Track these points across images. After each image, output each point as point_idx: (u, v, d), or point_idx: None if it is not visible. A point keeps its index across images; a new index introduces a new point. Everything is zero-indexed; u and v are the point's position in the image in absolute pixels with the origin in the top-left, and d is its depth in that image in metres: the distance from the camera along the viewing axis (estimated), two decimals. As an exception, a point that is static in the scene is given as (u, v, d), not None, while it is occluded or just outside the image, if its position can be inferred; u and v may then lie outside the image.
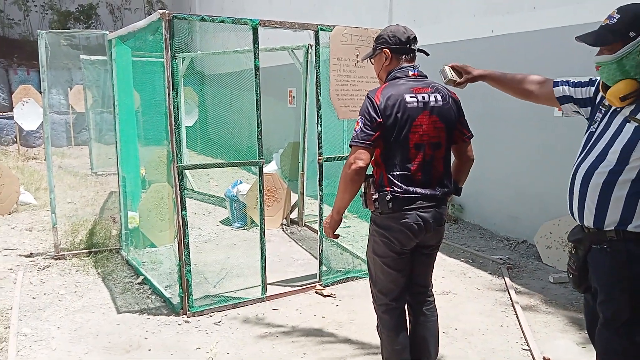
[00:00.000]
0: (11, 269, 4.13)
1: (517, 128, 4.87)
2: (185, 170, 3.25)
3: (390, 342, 2.36)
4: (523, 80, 2.25)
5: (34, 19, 14.22)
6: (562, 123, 4.42)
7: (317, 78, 3.68)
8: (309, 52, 5.20)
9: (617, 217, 1.78)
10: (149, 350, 2.92)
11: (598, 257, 1.87)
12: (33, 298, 3.59)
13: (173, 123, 3.14)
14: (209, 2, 13.22)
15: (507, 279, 4.02)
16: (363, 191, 2.27)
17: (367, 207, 2.27)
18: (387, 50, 2.27)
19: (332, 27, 3.55)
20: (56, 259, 4.36)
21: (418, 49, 2.34)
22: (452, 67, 2.36)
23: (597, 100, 1.96)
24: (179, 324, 3.23)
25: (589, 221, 1.87)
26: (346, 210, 6.50)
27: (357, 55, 3.66)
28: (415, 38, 2.29)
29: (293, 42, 5.45)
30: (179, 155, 3.19)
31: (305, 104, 5.39)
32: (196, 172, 7.80)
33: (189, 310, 3.32)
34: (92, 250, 4.54)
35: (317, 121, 3.68)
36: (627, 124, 1.77)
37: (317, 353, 2.92)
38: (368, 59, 2.42)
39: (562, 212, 4.37)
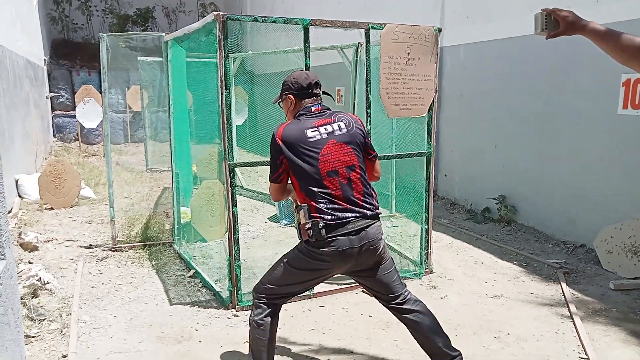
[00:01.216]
0: (72, 259, 4.36)
1: (578, 127, 4.66)
2: (236, 168, 3.32)
3: (257, 332, 2.36)
4: (637, 43, 1.77)
5: (95, 23, 14.95)
6: (627, 122, 4.18)
7: (367, 76, 3.66)
8: (359, 50, 5.18)
9: None
10: (200, 341, 3.00)
11: None
12: (92, 287, 3.78)
13: (225, 121, 3.21)
14: (260, 3, 13.45)
15: (564, 284, 3.85)
16: (297, 222, 2.33)
17: (301, 238, 2.31)
18: (291, 96, 2.44)
19: (383, 25, 3.52)
20: (113, 251, 4.57)
21: (323, 92, 2.49)
22: (551, 13, 1.91)
23: None
24: (228, 317, 3.31)
25: None
26: (394, 210, 6.42)
27: (409, 54, 3.61)
28: (317, 83, 2.43)
29: (342, 41, 5.45)
30: (230, 153, 3.26)
31: (354, 103, 5.37)
32: (245, 170, 7.96)
33: (237, 304, 3.39)
34: (147, 243, 4.73)
35: (367, 120, 3.66)
36: None
37: (364, 352, 2.91)
38: (277, 103, 2.61)
39: (624, 216, 4.14)
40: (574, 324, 3.23)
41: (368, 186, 2.38)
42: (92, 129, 10.73)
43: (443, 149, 6.52)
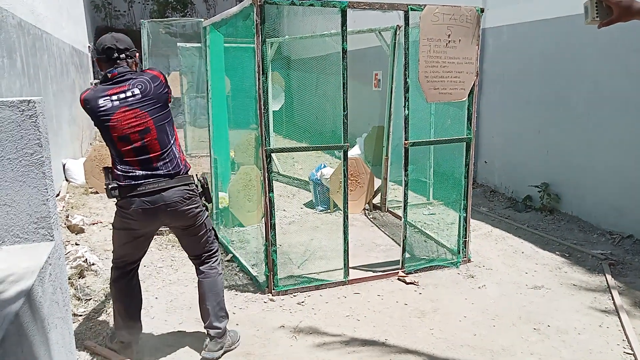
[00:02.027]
0: (116, 241, 4.51)
1: (628, 112, 4.42)
2: (272, 154, 3.33)
3: (113, 292, 2.69)
4: None
5: (136, 10, 15.26)
6: (683, 106, 3.94)
7: (405, 60, 3.58)
8: (397, 33, 5.07)
9: None
10: (237, 324, 3.06)
11: None
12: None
13: (262, 107, 3.22)
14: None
15: (609, 276, 3.71)
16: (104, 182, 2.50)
17: (108, 197, 2.48)
18: (97, 59, 2.52)
19: (423, 7, 3.42)
20: (156, 234, 4.68)
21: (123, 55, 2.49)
22: (601, 0, 1.76)
23: None
24: (265, 302, 3.36)
25: None
26: (431, 197, 6.34)
27: (449, 36, 3.51)
28: (111, 48, 2.45)
29: (380, 24, 5.35)
30: (267, 139, 3.27)
31: (392, 87, 5.29)
32: (281, 156, 8.00)
33: (274, 289, 3.43)
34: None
35: (405, 104, 3.59)
36: None
37: (399, 340, 2.89)
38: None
39: (678, 206, 3.93)
40: (619, 317, 3.11)
41: (167, 149, 2.47)
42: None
43: (483, 135, 6.35)
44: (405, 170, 3.68)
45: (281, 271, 3.64)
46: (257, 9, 3.10)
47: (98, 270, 3.77)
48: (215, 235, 2.81)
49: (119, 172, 2.43)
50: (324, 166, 5.65)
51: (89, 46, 11.70)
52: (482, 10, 3.64)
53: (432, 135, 5.11)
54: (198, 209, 2.59)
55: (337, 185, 5.08)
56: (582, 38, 4.85)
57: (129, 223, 2.50)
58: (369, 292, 3.51)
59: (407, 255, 3.84)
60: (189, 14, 15.64)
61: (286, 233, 4.77)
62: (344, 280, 3.61)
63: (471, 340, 2.89)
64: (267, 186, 3.31)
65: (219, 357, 2.70)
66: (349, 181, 5.15)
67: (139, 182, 2.41)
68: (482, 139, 6.37)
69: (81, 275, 3.65)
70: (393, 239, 4.63)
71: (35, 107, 1.86)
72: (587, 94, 4.83)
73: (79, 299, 3.31)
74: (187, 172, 2.56)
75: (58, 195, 5.82)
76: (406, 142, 3.63)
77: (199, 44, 5.54)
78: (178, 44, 8.92)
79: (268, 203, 3.33)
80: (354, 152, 7.88)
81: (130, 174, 2.42)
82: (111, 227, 4.74)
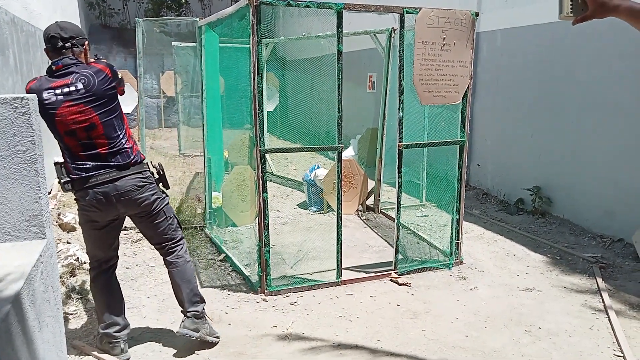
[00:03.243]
0: (109, 240, 4.49)
1: (620, 118, 4.47)
2: (266, 154, 3.33)
3: (93, 292, 2.72)
4: None
5: (131, 8, 15.19)
6: (673, 112, 3.99)
7: (400, 62, 3.59)
8: (392, 36, 5.10)
9: None
10: (229, 324, 3.06)
11: None
12: (127, 268, 3.88)
13: (257, 107, 3.22)
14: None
15: (599, 279, 3.74)
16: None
17: (64, 191, 2.49)
18: (45, 49, 2.48)
19: (418, 10, 3.44)
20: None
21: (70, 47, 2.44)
22: None
23: None
24: (257, 302, 3.35)
25: None
26: (424, 199, 6.36)
27: (444, 39, 3.53)
28: (52, 37, 2.40)
29: (375, 27, 5.37)
30: (261, 139, 3.27)
31: (386, 89, 5.31)
32: (275, 156, 8.00)
33: (266, 289, 3.43)
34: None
35: (399, 107, 3.61)
36: None
37: (391, 340, 2.90)
38: None
39: (667, 211, 3.97)
40: (609, 320, 3.14)
41: (116, 142, 2.47)
42: (127, 113, 10.96)
43: (476, 138, 6.39)
44: (399, 172, 3.69)
45: (274, 271, 3.63)
46: (253, 9, 3.10)
47: (90, 269, 3.75)
48: (178, 223, 2.80)
49: (71, 166, 2.43)
50: (318, 167, 5.65)
51: (82, 44, 11.62)
52: (477, 14, 3.66)
53: (425, 137, 5.13)
54: (154, 197, 2.60)
55: (331, 186, 5.09)
56: (575, 43, 4.89)
57: (89, 215, 2.52)
58: (361, 293, 3.52)
59: (399, 256, 3.86)
60: (184, 13, 15.59)
61: (279, 233, 4.76)
62: (337, 281, 3.62)
63: (463, 341, 2.91)
64: (261, 186, 3.31)
65: (195, 339, 2.68)
66: (343, 182, 5.16)
67: (90, 174, 2.43)
68: (476, 142, 6.41)
69: (72, 273, 3.63)
70: (386, 240, 4.64)
71: (29, 105, 1.85)
72: (580, 99, 4.87)
73: (69, 297, 3.29)
74: (140, 162, 2.57)
75: (50, 193, 5.78)
76: (400, 144, 3.65)
77: (193, 44, 5.53)
78: (173, 43, 8.91)
79: (262, 203, 3.33)
80: (348, 153, 7.89)
81: (81, 166, 2.43)
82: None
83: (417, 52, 3.47)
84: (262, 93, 3.23)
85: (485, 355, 2.78)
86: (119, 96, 2.58)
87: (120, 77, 2.61)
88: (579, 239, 4.68)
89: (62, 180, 2.43)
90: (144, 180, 2.56)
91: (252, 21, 3.12)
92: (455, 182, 3.96)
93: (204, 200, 4.88)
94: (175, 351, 2.76)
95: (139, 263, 4.00)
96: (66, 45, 2.41)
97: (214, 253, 4.24)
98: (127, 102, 10.02)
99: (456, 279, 3.78)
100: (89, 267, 2.73)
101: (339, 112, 3.44)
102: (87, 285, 3.49)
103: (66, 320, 3.03)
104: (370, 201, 5.64)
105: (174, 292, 2.79)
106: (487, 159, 6.33)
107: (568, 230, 4.91)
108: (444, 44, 3.55)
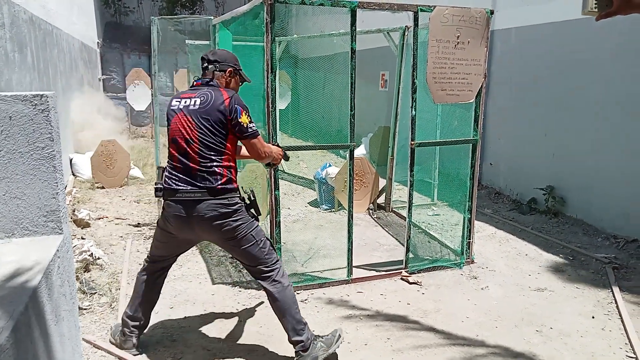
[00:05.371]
0: (122, 237, 4.56)
1: (635, 116, 4.41)
2: (279, 152, 3.35)
3: (137, 279, 2.77)
4: None
5: (146, 7, 15.32)
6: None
7: (414, 60, 3.59)
8: (406, 34, 5.08)
9: None
10: (240, 321, 3.09)
11: None
12: (139, 264, 3.92)
13: (270, 105, 3.24)
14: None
15: (612, 280, 3.70)
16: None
17: (155, 196, 2.57)
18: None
19: (432, 8, 3.43)
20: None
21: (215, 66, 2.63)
22: None
23: None
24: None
25: None
26: (436, 198, 6.33)
27: (458, 37, 3.51)
28: (202, 57, 2.65)
29: (388, 25, 5.36)
30: (274, 137, 3.29)
31: (399, 87, 5.29)
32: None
33: (277, 286, 3.45)
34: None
35: (412, 105, 3.60)
36: None
37: (400, 339, 2.91)
38: None
39: (683, 212, 3.92)
40: (622, 320, 3.11)
41: (207, 162, 2.45)
42: (141, 110, 11.07)
43: (490, 137, 6.34)
44: (411, 170, 3.69)
45: (285, 269, 3.65)
46: (268, 8, 3.12)
47: (103, 265, 3.80)
48: (272, 245, 2.67)
49: (167, 173, 2.53)
50: (329, 165, 5.66)
51: (97, 42, 11.77)
52: (492, 12, 3.64)
53: (438, 136, 5.11)
54: (237, 222, 2.49)
55: (342, 184, 5.10)
56: (592, 41, 4.83)
57: (167, 226, 2.55)
58: (372, 291, 3.53)
59: (410, 255, 3.85)
60: (198, 12, 15.69)
61: (290, 231, 4.79)
62: (348, 279, 3.63)
63: (474, 341, 2.90)
64: (273, 184, 3.33)
65: None
66: (354, 181, 5.17)
67: (179, 187, 2.46)
68: (489, 141, 6.37)
69: (86, 269, 3.68)
70: (397, 239, 4.64)
71: (48, 102, 1.89)
72: (597, 97, 4.81)
73: (84, 292, 3.35)
74: (229, 190, 2.48)
75: (65, 189, 5.86)
76: (413, 142, 3.64)
77: (207, 42, 5.56)
78: (187, 41, 8.95)
79: (274, 201, 3.35)
80: (360, 151, 7.89)
81: (173, 177, 2.49)
82: (116, 222, 4.79)
83: (430, 50, 3.47)
84: (275, 91, 3.25)
85: (496, 355, 2.77)
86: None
87: (255, 138, 2.55)
88: (592, 239, 4.63)
89: (156, 186, 2.54)
90: (229, 207, 2.46)
91: (266, 19, 3.13)
92: (467, 181, 3.94)
93: (216, 198, 4.91)
94: (185, 346, 2.79)
95: (152, 259, 4.04)
96: (209, 67, 2.61)
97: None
98: (141, 100, 10.15)
99: (467, 278, 3.77)
100: (146, 259, 2.77)
101: (351, 111, 3.44)
102: (100, 281, 3.54)
103: (80, 315, 3.08)
104: (381, 199, 5.64)
105: (278, 319, 2.63)
106: (500, 158, 6.29)
107: (581, 230, 4.87)
108: (458, 42, 3.53)
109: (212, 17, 4.67)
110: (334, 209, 5.47)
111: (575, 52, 5.04)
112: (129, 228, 4.82)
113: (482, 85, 3.73)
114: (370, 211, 5.52)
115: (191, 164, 2.45)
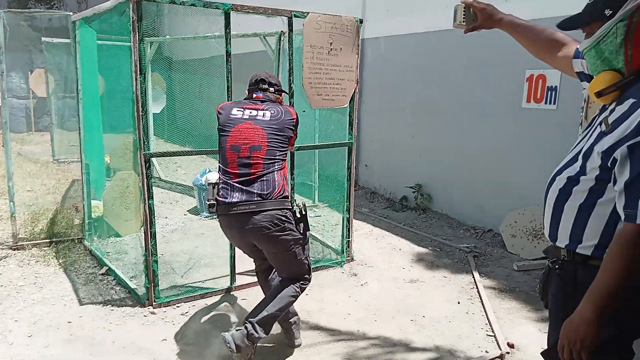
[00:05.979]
0: (-34, 259, 3.95)
1: (488, 119, 4.96)
2: (153, 158, 3.16)
3: None
4: (546, 35, 1.76)
5: (-9, -2, 13.56)
6: (531, 114, 4.52)
7: (290, 66, 3.63)
8: (282, 39, 5.13)
9: (567, 233, 1.46)
10: (113, 342, 2.85)
11: (552, 277, 1.58)
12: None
13: (140, 109, 3.04)
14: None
15: (473, 267, 4.10)
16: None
17: (208, 212, 2.67)
18: (249, 89, 2.84)
19: (305, 14, 3.50)
20: (14, 249, 4.19)
21: (281, 90, 2.89)
22: (469, 5, 1.86)
23: None
24: (145, 315, 3.16)
25: (546, 232, 1.57)
26: (317, 200, 6.50)
27: (331, 44, 3.63)
28: (261, 80, 2.80)
29: (265, 29, 5.36)
30: (146, 143, 3.10)
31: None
32: (163, 160, 7.64)
33: (155, 301, 3.25)
34: (53, 240, 4.39)
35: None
36: (599, 126, 1.41)
37: (284, 343, 2.90)
38: None
39: (528, 202, 4.49)
40: (482, 303, 3.46)
41: (269, 166, 2.56)
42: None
43: (364, 140, 6.67)
44: (292, 174, 3.72)
45: (163, 282, 3.46)
46: (134, 5, 2.92)
47: None
48: (308, 266, 2.76)
49: (220, 184, 2.58)
50: (209, 171, 5.50)
51: None
52: (361, 21, 3.83)
53: (316, 139, 5.24)
54: (290, 236, 2.58)
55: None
56: (448, 51, 5.33)
57: (225, 233, 2.69)
58: (256, 297, 3.45)
59: (293, 258, 3.88)
60: (57, 7, 14.28)
61: (168, 242, 4.55)
62: (231, 286, 3.55)
63: (356, 335, 3.01)
64: (146, 193, 3.12)
65: (229, 351, 2.48)
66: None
67: (233, 200, 2.50)
68: (363, 144, 6.69)
69: None
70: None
71: None
72: (453, 103, 5.32)
73: None
74: (282, 197, 2.57)
75: None
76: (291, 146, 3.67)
77: (67, 40, 5.08)
78: (43, 38, 8.10)
79: (147, 211, 3.15)
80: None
81: (227, 187, 2.54)
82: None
83: (305, 56, 3.53)
84: (145, 94, 3.06)
85: (376, 346, 2.90)
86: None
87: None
88: (455, 232, 5.10)
89: (209, 202, 2.57)
90: (283, 218, 2.54)
91: (133, 18, 2.93)
92: (344, 182, 4.09)
93: (83, 210, 4.50)
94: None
95: (4, 283, 3.56)
96: (270, 89, 2.79)
97: (95, 266, 3.92)
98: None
99: (348, 276, 3.91)
100: None
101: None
102: None
103: None
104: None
105: (258, 303, 2.66)
106: (373, 159, 6.65)
107: (446, 223, 5.33)
108: (331, 49, 3.65)
109: (71, 13, 4.26)
110: (215, 216, 5.31)
111: (434, 61, 5.52)
112: (-25, 249, 4.19)
113: (355, 91, 3.90)
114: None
115: (252, 171, 2.53)
